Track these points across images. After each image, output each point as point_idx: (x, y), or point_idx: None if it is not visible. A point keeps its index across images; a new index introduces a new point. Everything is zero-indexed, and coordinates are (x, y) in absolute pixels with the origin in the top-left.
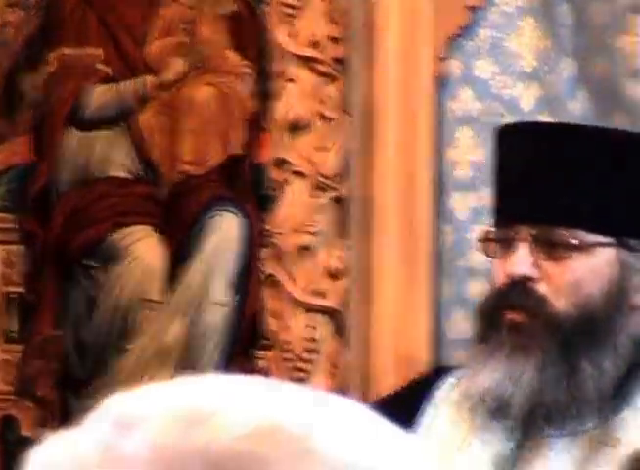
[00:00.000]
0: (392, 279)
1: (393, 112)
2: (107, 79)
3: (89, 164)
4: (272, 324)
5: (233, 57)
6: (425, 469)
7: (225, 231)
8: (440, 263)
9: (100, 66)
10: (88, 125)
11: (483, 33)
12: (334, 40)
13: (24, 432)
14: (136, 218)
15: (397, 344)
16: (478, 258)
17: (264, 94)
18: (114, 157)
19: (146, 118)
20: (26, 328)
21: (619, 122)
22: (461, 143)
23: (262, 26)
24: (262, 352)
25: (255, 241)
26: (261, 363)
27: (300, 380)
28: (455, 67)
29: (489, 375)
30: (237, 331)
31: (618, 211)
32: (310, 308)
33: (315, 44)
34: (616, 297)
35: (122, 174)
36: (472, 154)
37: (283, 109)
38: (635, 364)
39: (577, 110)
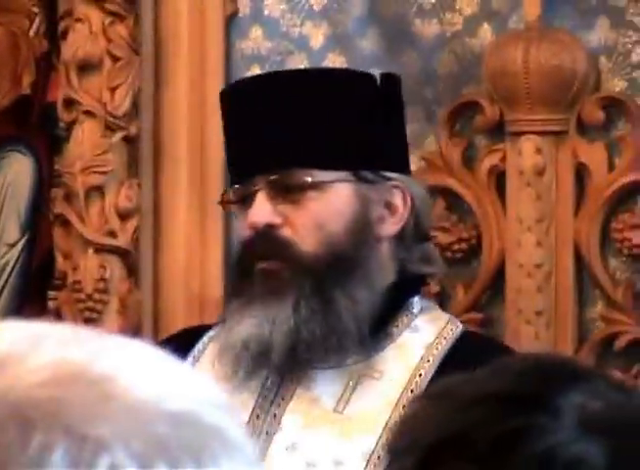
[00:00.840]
0: (183, 217)
1: (184, 51)
2: None
3: None
4: (63, 264)
5: None
6: (223, 410)
7: (15, 171)
8: None
9: None
10: None
11: None
12: None
13: None
14: None
15: (189, 282)
16: None
17: (53, 33)
18: None
19: None
20: None
21: (408, 59)
22: None
23: None
24: (54, 293)
25: (46, 181)
26: (53, 303)
27: (92, 320)
28: (244, 5)
29: (248, 322)
30: (28, 271)
31: (348, 146)
32: (101, 249)
33: None
34: (359, 230)
35: None
36: None
37: (72, 48)
38: (399, 303)
39: (367, 48)
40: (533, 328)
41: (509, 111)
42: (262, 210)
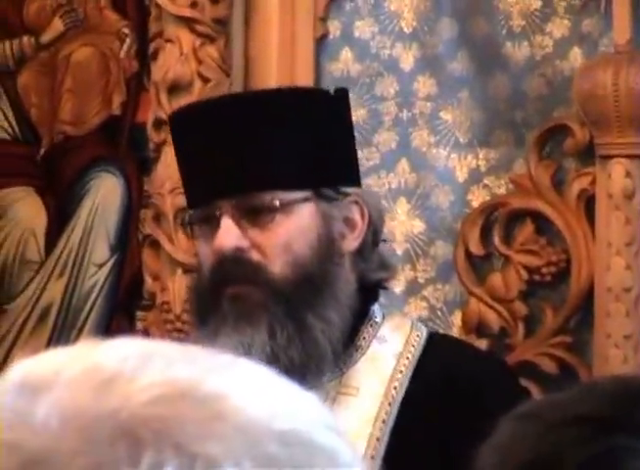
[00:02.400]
0: None
1: (273, 72)
2: None
3: None
4: (152, 285)
5: (112, 17)
6: (332, 430)
7: (105, 192)
8: None
9: None
10: None
11: None
12: (213, 1)
13: None
14: (15, 179)
15: None
16: None
17: (144, 54)
18: None
19: (24, 79)
20: None
21: (498, 82)
22: None
23: None
24: (142, 314)
25: (135, 202)
26: (142, 324)
27: (180, 341)
28: (335, 27)
29: (221, 348)
30: (116, 292)
31: (308, 164)
32: (190, 269)
33: (194, 4)
34: (324, 249)
35: (1, 135)
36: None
37: (162, 69)
38: (362, 312)
39: (457, 70)
40: (622, 352)
41: (599, 134)
42: (229, 234)
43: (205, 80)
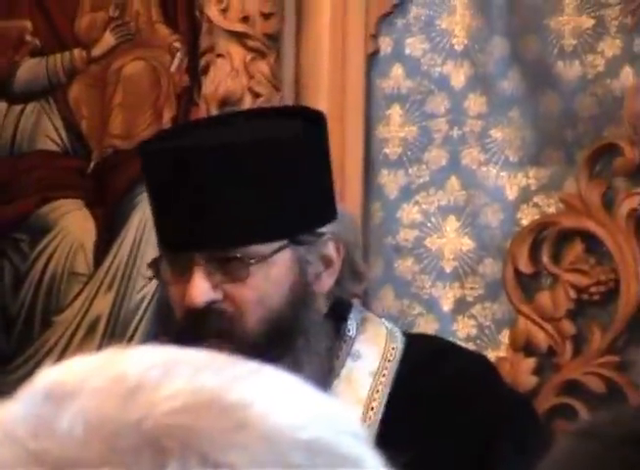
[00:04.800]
0: None
1: (324, 88)
2: (36, 52)
3: (17, 138)
4: None
5: (163, 31)
6: (358, 439)
7: None
8: (369, 241)
9: (29, 38)
10: (17, 98)
11: (415, 11)
12: (264, 16)
13: None
14: (65, 192)
15: None
16: (406, 236)
17: (195, 69)
18: (43, 130)
19: (75, 92)
20: None
21: (549, 101)
22: (391, 120)
23: (193, 1)
24: None
25: None
26: None
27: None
28: (386, 44)
29: None
30: (165, 305)
31: (283, 214)
32: None
33: (246, 19)
34: (299, 297)
35: (51, 148)
36: (402, 131)
37: (213, 84)
38: (336, 329)
39: (508, 89)
40: None
41: None
42: (202, 288)
43: (256, 95)
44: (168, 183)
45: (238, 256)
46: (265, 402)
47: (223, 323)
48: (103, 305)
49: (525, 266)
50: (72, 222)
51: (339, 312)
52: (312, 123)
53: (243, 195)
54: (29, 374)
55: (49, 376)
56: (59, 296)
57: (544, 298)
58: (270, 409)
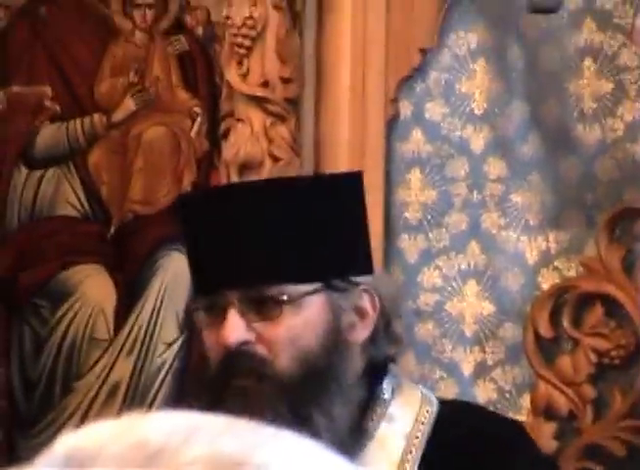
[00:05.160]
0: None
1: (344, 152)
2: (56, 117)
3: (37, 203)
4: None
5: (183, 96)
6: None
7: (174, 271)
8: None
9: (48, 103)
10: (38, 164)
11: (435, 75)
12: (284, 80)
13: None
14: (85, 257)
15: None
16: (426, 300)
17: (215, 134)
18: (63, 195)
19: (95, 157)
20: None
21: (569, 165)
22: (411, 185)
23: (213, 66)
24: None
25: None
26: None
27: None
28: (406, 108)
29: None
30: (185, 370)
31: (319, 256)
32: None
33: (266, 84)
34: (332, 342)
35: (71, 213)
36: (422, 195)
37: (233, 148)
38: (371, 392)
39: (528, 152)
40: None
41: None
42: (236, 328)
43: (276, 160)
44: (204, 224)
45: (271, 294)
46: (284, 468)
47: (254, 364)
48: (123, 370)
49: (545, 330)
50: (93, 287)
51: (375, 374)
52: (352, 175)
53: (281, 234)
54: (51, 439)
55: (68, 441)
56: (79, 361)
57: (565, 362)
58: None
